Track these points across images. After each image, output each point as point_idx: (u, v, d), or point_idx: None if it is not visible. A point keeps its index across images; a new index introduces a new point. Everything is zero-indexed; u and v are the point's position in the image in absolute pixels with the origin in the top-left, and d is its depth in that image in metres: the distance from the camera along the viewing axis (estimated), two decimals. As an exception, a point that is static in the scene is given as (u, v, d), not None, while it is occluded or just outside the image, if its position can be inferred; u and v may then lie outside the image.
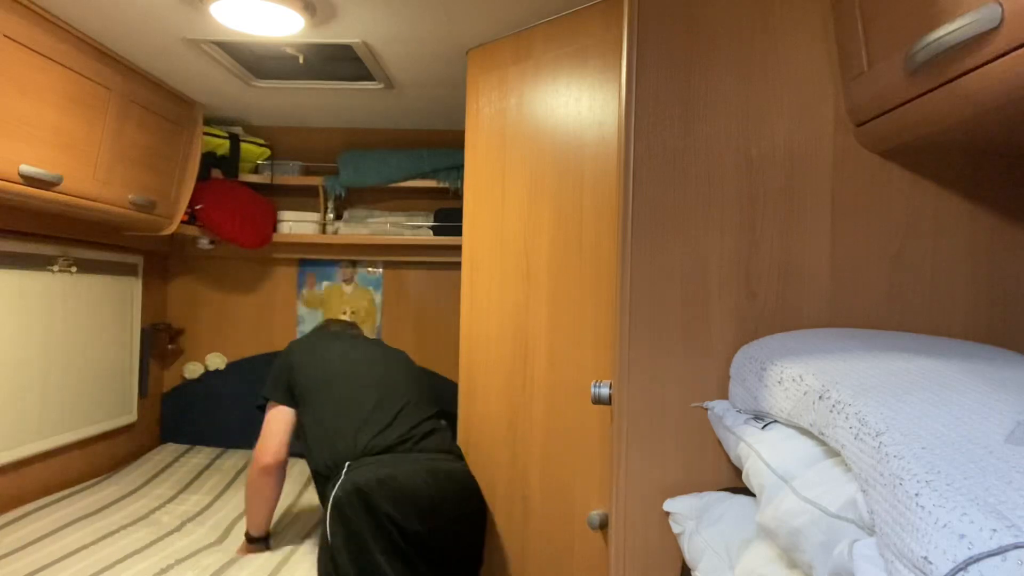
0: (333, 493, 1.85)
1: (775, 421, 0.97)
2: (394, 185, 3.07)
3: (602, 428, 1.63)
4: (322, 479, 1.99)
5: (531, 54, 1.87)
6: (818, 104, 1.13)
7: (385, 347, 2.42)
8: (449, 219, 3.06)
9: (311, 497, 2.61)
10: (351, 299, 3.30)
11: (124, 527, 2.24)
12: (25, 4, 1.83)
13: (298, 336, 3.53)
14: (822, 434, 0.80)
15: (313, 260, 3.31)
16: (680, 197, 1.14)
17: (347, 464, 1.92)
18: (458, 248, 2.14)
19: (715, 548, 0.99)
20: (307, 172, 3.17)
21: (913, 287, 1.11)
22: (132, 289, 2.95)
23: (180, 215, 2.78)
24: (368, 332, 3.23)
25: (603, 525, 1.59)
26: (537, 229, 1.83)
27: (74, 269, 2.55)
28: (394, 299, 3.30)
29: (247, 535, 2.14)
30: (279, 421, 2.10)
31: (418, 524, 1.84)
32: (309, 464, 2.06)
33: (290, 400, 2.12)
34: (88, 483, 2.60)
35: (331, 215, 3.15)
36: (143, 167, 2.48)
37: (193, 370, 3.31)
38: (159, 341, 3.24)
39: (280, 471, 2.08)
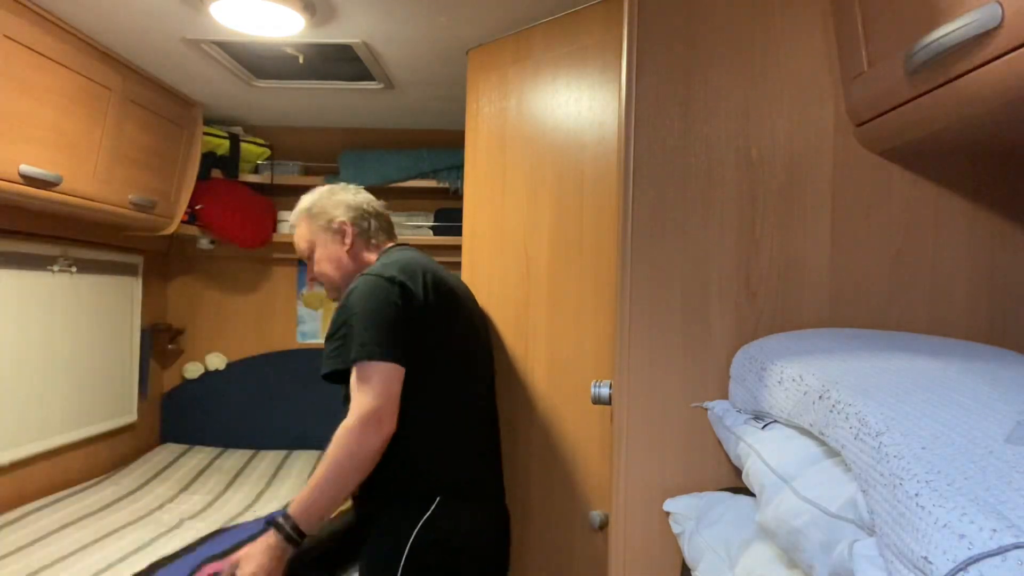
0: (418, 532, 1.55)
1: (775, 421, 0.97)
2: (394, 185, 3.07)
3: (602, 428, 1.63)
4: (390, 496, 1.60)
5: (531, 54, 1.87)
6: (818, 104, 1.13)
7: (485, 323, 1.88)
8: (449, 219, 3.06)
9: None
10: (351, 299, 3.30)
11: (124, 527, 2.24)
12: (26, 4, 1.84)
13: (299, 334, 3.52)
14: (822, 434, 0.80)
15: (313, 260, 3.31)
16: (680, 197, 1.14)
17: (438, 499, 1.57)
18: (458, 248, 2.13)
19: (715, 548, 0.99)
20: (307, 172, 3.17)
21: (913, 287, 1.11)
22: (132, 289, 2.95)
23: (180, 215, 2.78)
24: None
25: (603, 525, 1.59)
26: (537, 229, 1.83)
27: (74, 269, 2.55)
28: (394, 299, 3.30)
29: (292, 527, 1.45)
30: (395, 381, 1.50)
31: None
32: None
33: (402, 359, 1.52)
34: (88, 483, 2.60)
35: (331, 215, 3.14)
36: (143, 167, 2.48)
37: (193, 370, 3.31)
38: (159, 341, 3.24)
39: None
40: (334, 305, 1.66)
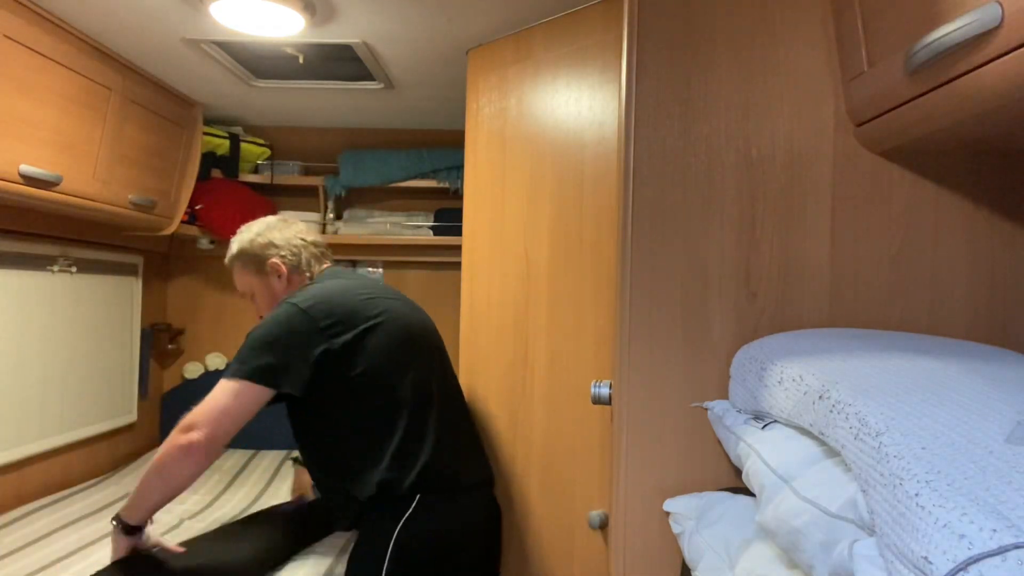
0: (399, 532, 1.61)
1: (775, 421, 0.97)
2: (394, 185, 3.07)
3: (602, 428, 1.63)
4: (370, 503, 1.66)
5: (531, 54, 1.87)
6: (818, 104, 1.13)
7: (420, 310, 1.93)
8: (449, 219, 3.06)
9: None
10: (351, 299, 3.30)
11: (124, 527, 2.24)
12: (25, 4, 1.84)
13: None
14: (822, 434, 0.80)
15: (313, 260, 3.31)
16: (680, 197, 1.14)
17: (418, 497, 1.64)
18: (458, 248, 2.13)
19: (715, 548, 0.99)
20: (307, 172, 3.17)
21: (913, 287, 1.11)
22: (132, 289, 2.95)
23: (180, 215, 2.78)
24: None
25: (603, 525, 1.59)
26: (537, 229, 1.83)
27: (74, 269, 2.55)
28: (394, 299, 3.30)
29: (123, 524, 1.62)
30: (251, 404, 1.57)
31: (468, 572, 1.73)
32: (337, 471, 1.71)
33: (276, 381, 1.58)
34: (88, 483, 2.60)
35: (331, 215, 3.15)
36: (143, 167, 2.48)
37: (193, 370, 3.31)
38: (159, 341, 3.24)
39: (215, 457, 1.62)
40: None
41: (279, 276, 1.84)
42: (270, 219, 1.92)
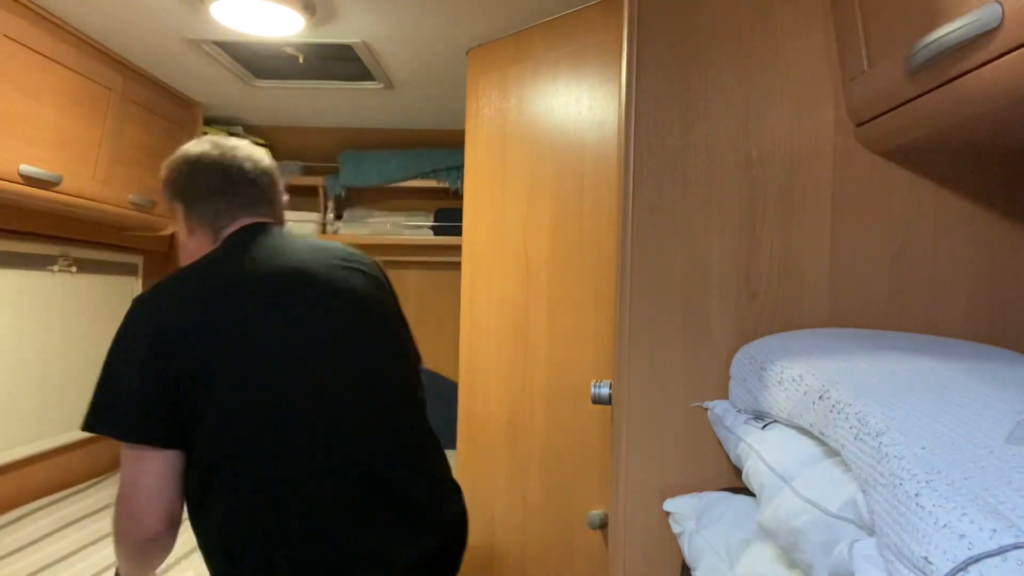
0: None
1: (775, 421, 0.97)
2: (394, 185, 3.07)
3: (602, 428, 1.63)
4: None
5: (531, 54, 1.87)
6: (818, 104, 1.13)
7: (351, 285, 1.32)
8: (449, 219, 3.07)
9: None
10: (351, 299, 3.31)
11: (124, 527, 2.23)
12: (25, 4, 1.84)
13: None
14: (822, 434, 0.80)
15: (313, 260, 3.31)
16: (680, 197, 1.14)
17: None
18: (458, 248, 2.14)
19: (715, 548, 0.99)
20: (307, 172, 3.18)
21: (913, 287, 1.11)
22: (132, 289, 2.95)
23: (180, 215, 2.79)
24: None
25: (603, 525, 1.59)
26: (537, 229, 1.83)
27: (74, 269, 2.55)
28: (394, 299, 3.31)
29: None
30: (154, 472, 1.08)
31: None
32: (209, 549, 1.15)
33: (170, 436, 1.09)
34: (88, 483, 2.60)
35: (331, 215, 3.15)
36: (143, 167, 2.48)
37: (193, 370, 3.31)
38: (159, 341, 3.24)
39: (173, 535, 1.12)
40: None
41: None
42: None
